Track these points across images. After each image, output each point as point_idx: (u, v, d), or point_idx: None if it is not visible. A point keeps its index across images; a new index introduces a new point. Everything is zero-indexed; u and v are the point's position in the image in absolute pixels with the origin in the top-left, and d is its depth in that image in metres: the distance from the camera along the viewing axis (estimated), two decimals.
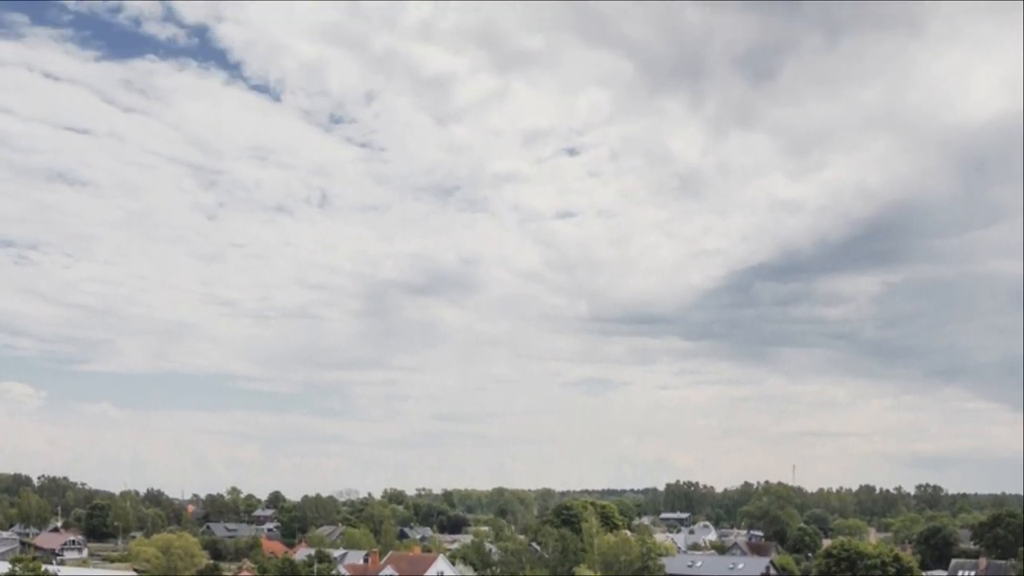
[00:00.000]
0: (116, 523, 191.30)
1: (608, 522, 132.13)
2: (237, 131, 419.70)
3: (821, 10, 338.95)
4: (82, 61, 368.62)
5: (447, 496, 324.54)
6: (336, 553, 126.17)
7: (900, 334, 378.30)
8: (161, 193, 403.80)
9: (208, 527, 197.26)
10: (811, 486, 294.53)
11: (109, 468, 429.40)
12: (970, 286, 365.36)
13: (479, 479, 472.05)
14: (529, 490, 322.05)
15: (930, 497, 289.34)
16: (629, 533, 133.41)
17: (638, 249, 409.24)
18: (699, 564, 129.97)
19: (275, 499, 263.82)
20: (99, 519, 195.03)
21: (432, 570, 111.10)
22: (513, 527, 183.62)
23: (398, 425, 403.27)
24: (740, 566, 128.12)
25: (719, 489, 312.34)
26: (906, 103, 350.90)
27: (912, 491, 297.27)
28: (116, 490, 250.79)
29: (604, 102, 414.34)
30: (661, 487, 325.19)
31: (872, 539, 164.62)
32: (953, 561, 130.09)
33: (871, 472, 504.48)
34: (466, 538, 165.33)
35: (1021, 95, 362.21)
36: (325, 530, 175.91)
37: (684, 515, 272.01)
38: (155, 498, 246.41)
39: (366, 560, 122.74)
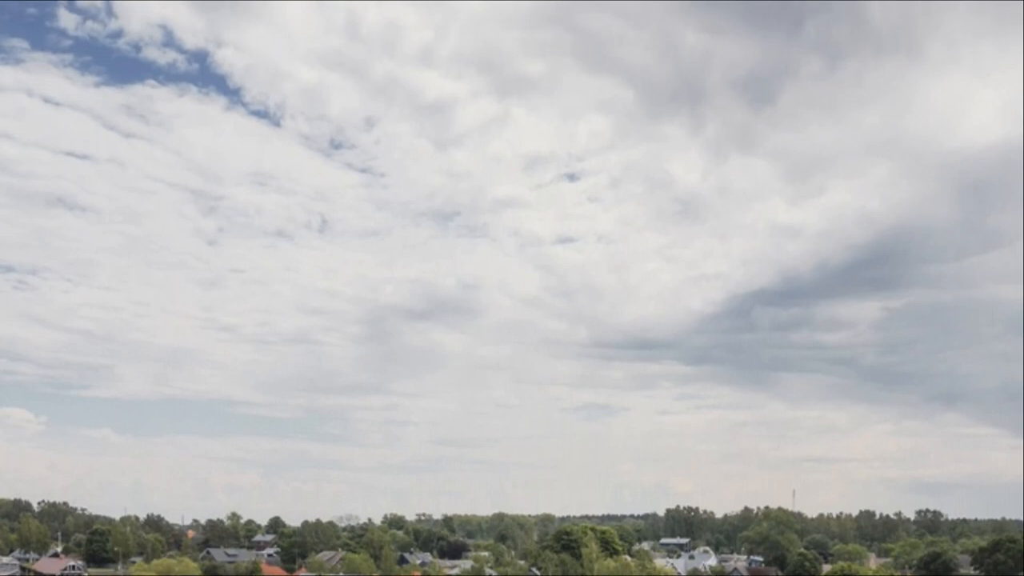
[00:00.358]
0: (116, 548, 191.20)
1: (608, 547, 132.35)
2: (237, 156, 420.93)
3: (821, 34, 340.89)
4: (82, 86, 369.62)
5: (447, 521, 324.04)
6: None
7: (900, 360, 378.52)
8: (161, 218, 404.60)
9: (208, 552, 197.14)
10: (811, 511, 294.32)
11: (109, 493, 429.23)
12: (970, 312, 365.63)
13: (479, 504, 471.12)
14: (529, 515, 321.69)
15: (930, 522, 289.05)
16: (629, 558, 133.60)
17: (638, 274, 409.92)
18: None
19: (275, 524, 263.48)
20: (99, 544, 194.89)
21: None
22: (513, 552, 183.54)
23: (398, 450, 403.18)
24: None
25: (719, 514, 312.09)
26: (906, 128, 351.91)
27: (912, 516, 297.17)
28: (116, 515, 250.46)
29: (604, 128, 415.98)
30: (661, 512, 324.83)
31: (872, 564, 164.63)
32: None
33: (871, 497, 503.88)
34: (466, 563, 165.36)
35: (1021, 120, 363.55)
36: (325, 556, 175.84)
37: (684, 540, 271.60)
38: (155, 523, 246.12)
39: None
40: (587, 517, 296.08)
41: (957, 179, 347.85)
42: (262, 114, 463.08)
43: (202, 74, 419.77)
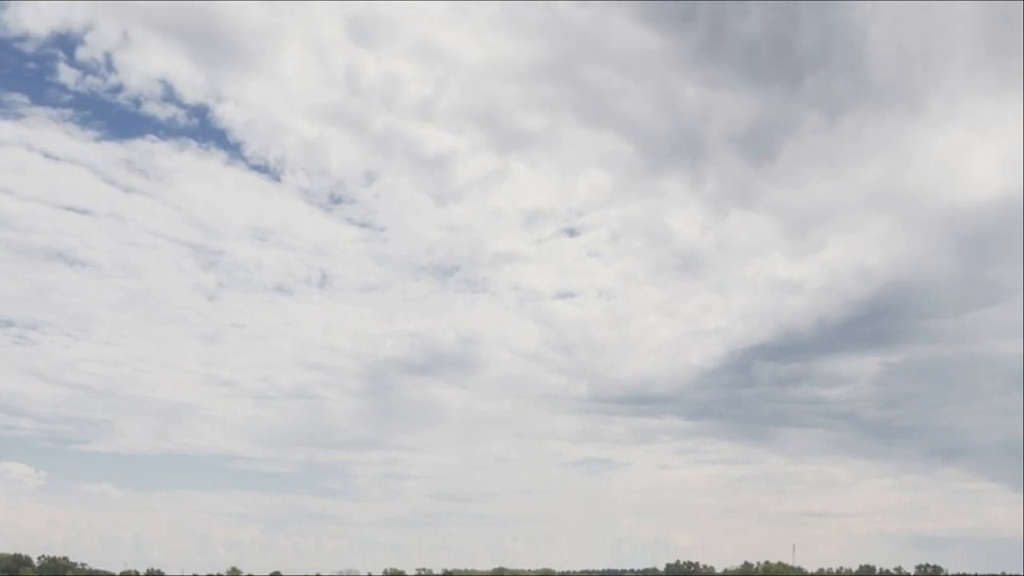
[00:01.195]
0: None
1: None
2: (237, 211, 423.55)
3: (821, 89, 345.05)
4: (82, 141, 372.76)
5: None
6: None
7: (900, 414, 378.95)
8: (161, 273, 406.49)
9: None
10: (811, 566, 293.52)
11: (109, 548, 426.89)
12: (970, 366, 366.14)
13: (479, 559, 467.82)
14: (529, 570, 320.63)
15: None
16: None
17: (638, 329, 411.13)
18: None
19: None
20: None
21: None
22: None
23: (398, 504, 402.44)
24: None
25: (719, 569, 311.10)
26: (906, 182, 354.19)
27: (912, 571, 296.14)
28: (116, 570, 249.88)
29: (604, 182, 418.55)
30: (661, 567, 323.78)
31: None
32: None
33: (871, 552, 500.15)
34: None
35: (1021, 175, 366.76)
36: None
37: None
38: None
39: None
40: (587, 572, 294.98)
41: (957, 233, 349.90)
42: (262, 169, 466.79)
43: (202, 129, 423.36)
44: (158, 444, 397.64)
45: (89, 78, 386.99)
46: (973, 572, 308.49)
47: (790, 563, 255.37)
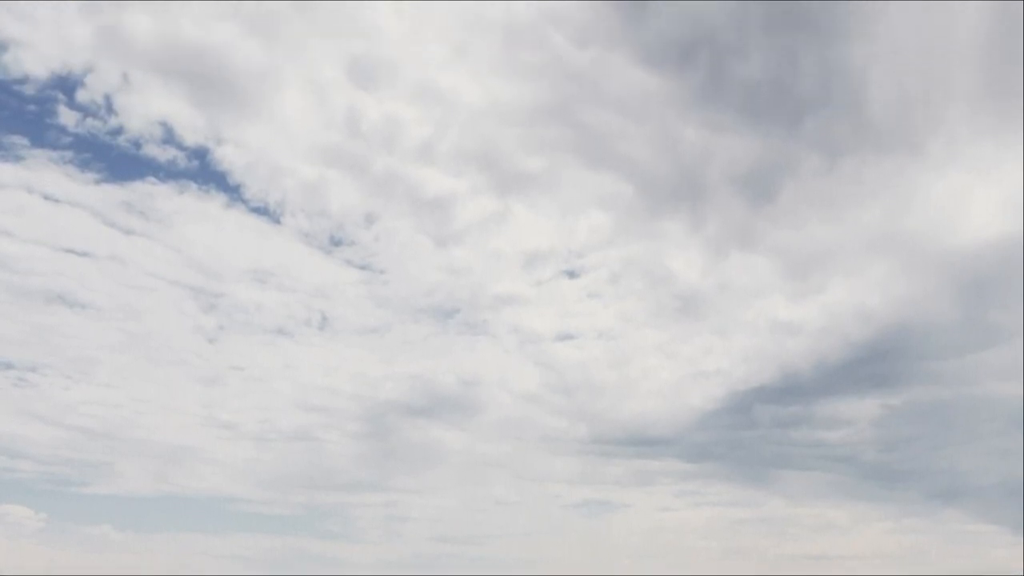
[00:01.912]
0: None
1: None
2: (238, 254, 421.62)
3: (821, 131, 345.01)
4: (82, 183, 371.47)
5: None
6: None
7: (900, 457, 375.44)
8: (161, 316, 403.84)
9: None
10: None
11: None
12: (970, 408, 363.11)
13: None
14: None
15: None
16: None
17: (638, 371, 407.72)
18: None
19: None
20: None
21: None
22: None
23: (398, 547, 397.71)
24: None
25: None
26: (906, 225, 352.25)
27: None
28: None
29: (604, 224, 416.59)
30: None
31: None
32: None
33: None
34: None
35: (1021, 218, 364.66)
36: None
37: None
38: None
39: None
40: None
41: (957, 276, 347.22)
42: (262, 211, 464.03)
43: (202, 171, 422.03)
44: (158, 486, 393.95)
45: (89, 120, 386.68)
46: None
47: None
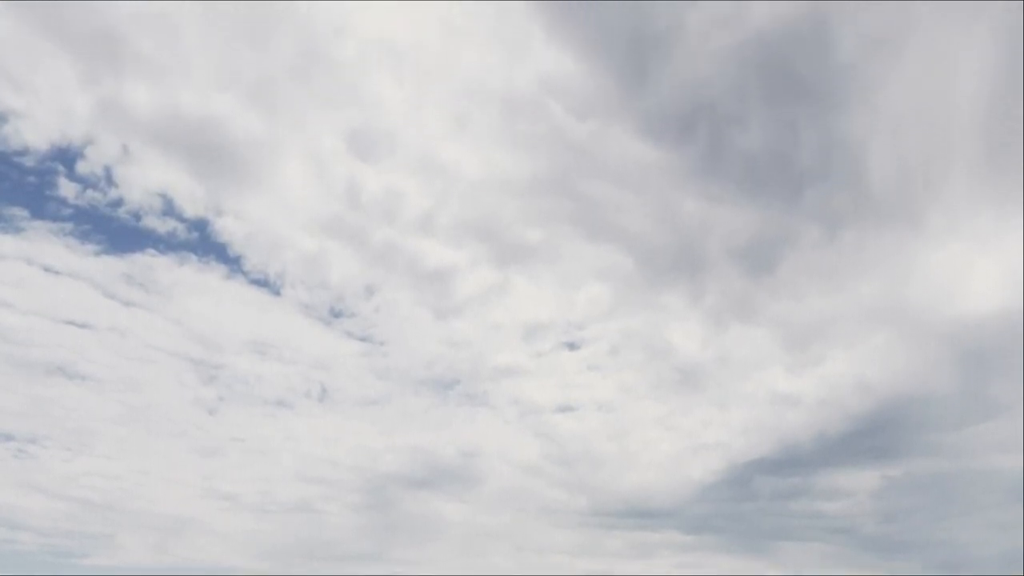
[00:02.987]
0: None
1: None
2: (238, 325, 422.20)
3: (820, 203, 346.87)
4: (82, 255, 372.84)
5: None
6: None
7: (899, 528, 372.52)
8: (162, 387, 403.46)
9: None
10: None
11: None
12: (969, 481, 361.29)
13: None
14: None
15: None
16: None
17: (638, 443, 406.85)
18: None
19: None
20: None
21: None
22: None
23: None
24: None
25: None
26: (906, 297, 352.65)
27: None
28: None
29: (604, 296, 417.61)
30: None
31: None
32: None
33: None
34: None
35: (1021, 290, 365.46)
36: None
37: None
38: None
39: None
40: None
41: (957, 348, 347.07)
42: (262, 283, 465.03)
43: (202, 243, 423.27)
44: (159, 558, 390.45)
45: (89, 192, 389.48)
46: None
47: None
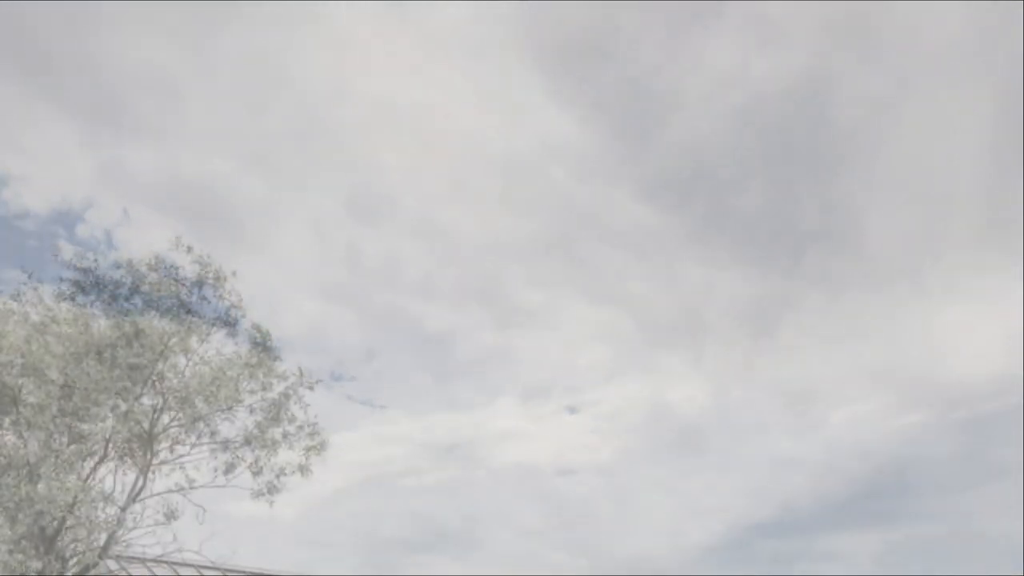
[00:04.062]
0: None
1: None
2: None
3: (821, 266, 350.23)
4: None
5: None
6: None
7: None
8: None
9: None
10: None
11: None
12: (969, 544, 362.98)
13: None
14: None
15: None
16: None
17: (638, 506, 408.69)
18: None
19: None
20: None
21: None
22: None
23: None
24: None
25: None
26: (906, 359, 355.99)
27: None
28: None
29: (604, 358, 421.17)
30: None
31: None
32: None
33: None
34: None
35: (1022, 352, 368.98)
36: None
37: None
38: None
39: None
40: None
41: (957, 411, 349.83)
42: (262, 347, 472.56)
43: (201, 305, 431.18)
44: None
45: (89, 255, 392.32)
46: None
47: None
